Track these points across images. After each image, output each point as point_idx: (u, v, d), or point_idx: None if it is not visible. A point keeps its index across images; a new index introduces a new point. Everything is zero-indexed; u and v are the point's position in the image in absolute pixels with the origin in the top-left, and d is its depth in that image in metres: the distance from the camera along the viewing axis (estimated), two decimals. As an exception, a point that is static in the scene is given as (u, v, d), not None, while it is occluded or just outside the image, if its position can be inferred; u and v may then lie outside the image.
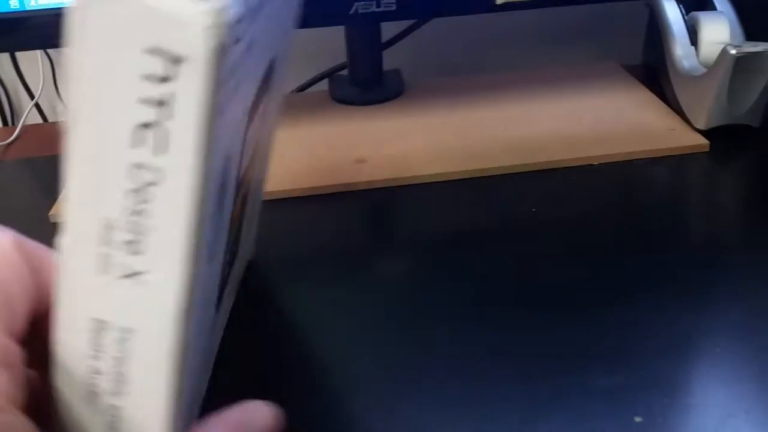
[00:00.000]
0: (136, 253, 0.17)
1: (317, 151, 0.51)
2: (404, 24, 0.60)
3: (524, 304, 0.35)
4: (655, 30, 0.56)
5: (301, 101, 0.60)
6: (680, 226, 0.42)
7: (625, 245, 0.40)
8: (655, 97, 0.56)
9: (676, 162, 0.48)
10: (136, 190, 0.17)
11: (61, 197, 0.47)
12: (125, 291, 0.18)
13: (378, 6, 0.45)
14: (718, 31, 0.52)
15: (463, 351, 0.32)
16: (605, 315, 0.34)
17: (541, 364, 0.31)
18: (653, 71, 0.58)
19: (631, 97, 0.56)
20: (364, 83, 0.59)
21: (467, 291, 0.36)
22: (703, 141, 0.49)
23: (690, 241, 0.40)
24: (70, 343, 0.18)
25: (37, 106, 0.69)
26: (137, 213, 0.17)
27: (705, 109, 0.49)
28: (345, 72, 0.60)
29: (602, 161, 0.48)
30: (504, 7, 0.47)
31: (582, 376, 0.31)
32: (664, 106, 0.55)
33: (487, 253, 0.39)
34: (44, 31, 0.45)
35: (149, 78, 0.16)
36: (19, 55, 0.66)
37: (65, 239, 0.18)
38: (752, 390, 0.29)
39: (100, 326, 0.18)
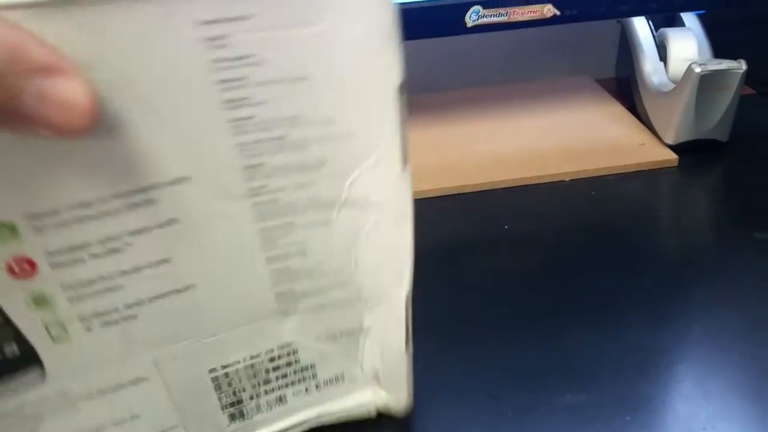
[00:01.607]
0: None
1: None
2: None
3: (494, 319, 0.36)
4: (627, 45, 0.58)
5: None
6: (649, 241, 0.43)
7: (594, 262, 0.41)
8: (627, 112, 0.57)
9: (646, 177, 0.49)
10: None
11: None
12: None
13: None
14: (687, 47, 0.53)
15: (430, 364, 0.33)
16: (572, 331, 0.35)
17: (507, 380, 0.32)
18: (625, 86, 0.60)
19: (602, 112, 0.58)
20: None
21: (437, 306, 0.37)
22: (672, 156, 0.50)
23: (658, 256, 0.41)
24: None
25: None
26: None
27: (673, 125, 0.50)
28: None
29: (573, 177, 0.49)
30: (475, 29, 0.48)
31: (547, 392, 0.32)
32: (635, 120, 0.56)
33: (459, 270, 0.40)
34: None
35: None
36: None
37: None
38: (713, 407, 0.30)
39: None
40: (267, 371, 0.27)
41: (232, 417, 0.28)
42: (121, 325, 0.23)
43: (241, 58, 0.21)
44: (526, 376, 0.33)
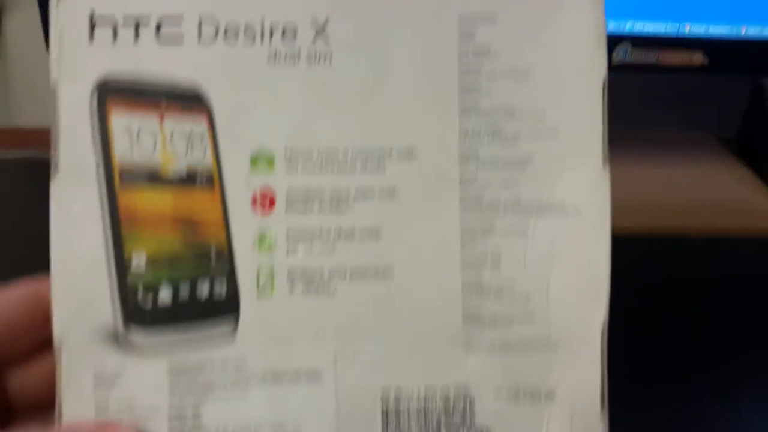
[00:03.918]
0: None
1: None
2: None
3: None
4: (760, 107, 0.59)
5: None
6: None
7: (726, 330, 0.41)
8: (753, 175, 0.58)
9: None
10: None
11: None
12: None
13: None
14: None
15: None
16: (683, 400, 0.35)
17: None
18: (751, 148, 0.61)
19: (727, 172, 0.59)
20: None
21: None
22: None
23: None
24: None
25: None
26: None
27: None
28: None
29: (700, 234, 0.50)
30: (618, 69, 0.50)
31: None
32: (763, 185, 0.57)
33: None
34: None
35: None
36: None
37: None
38: None
39: None
40: (439, 420, 0.26)
41: None
42: (319, 297, 0.25)
43: (481, 49, 0.25)
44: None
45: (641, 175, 0.57)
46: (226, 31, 0.24)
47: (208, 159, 0.24)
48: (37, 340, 0.25)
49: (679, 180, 0.57)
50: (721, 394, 0.36)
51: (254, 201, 0.25)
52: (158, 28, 0.24)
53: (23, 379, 0.26)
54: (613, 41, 0.49)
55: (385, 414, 0.26)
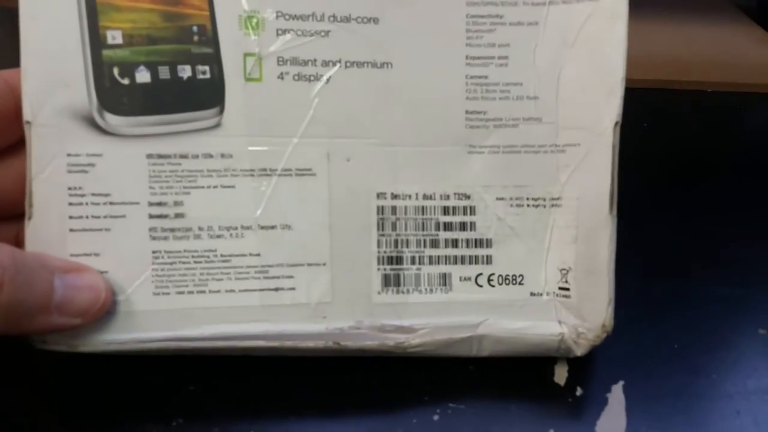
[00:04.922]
0: None
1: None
2: None
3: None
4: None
5: None
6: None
7: (733, 173, 0.40)
8: (768, 35, 0.57)
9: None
10: None
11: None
12: None
13: None
14: None
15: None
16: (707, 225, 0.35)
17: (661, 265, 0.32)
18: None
19: (743, 33, 0.57)
20: None
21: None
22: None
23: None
24: None
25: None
26: None
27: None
28: None
29: (714, 89, 0.49)
30: None
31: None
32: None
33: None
34: None
35: None
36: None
37: None
38: None
39: None
40: (437, 226, 0.25)
41: (386, 281, 0.25)
42: (312, 85, 0.24)
43: None
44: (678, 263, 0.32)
45: (658, 32, 0.56)
46: None
47: (189, -72, 0.22)
48: (10, 135, 0.23)
49: (696, 38, 0.55)
50: (733, 239, 0.34)
51: None
52: None
53: None
54: None
55: (381, 214, 0.25)
